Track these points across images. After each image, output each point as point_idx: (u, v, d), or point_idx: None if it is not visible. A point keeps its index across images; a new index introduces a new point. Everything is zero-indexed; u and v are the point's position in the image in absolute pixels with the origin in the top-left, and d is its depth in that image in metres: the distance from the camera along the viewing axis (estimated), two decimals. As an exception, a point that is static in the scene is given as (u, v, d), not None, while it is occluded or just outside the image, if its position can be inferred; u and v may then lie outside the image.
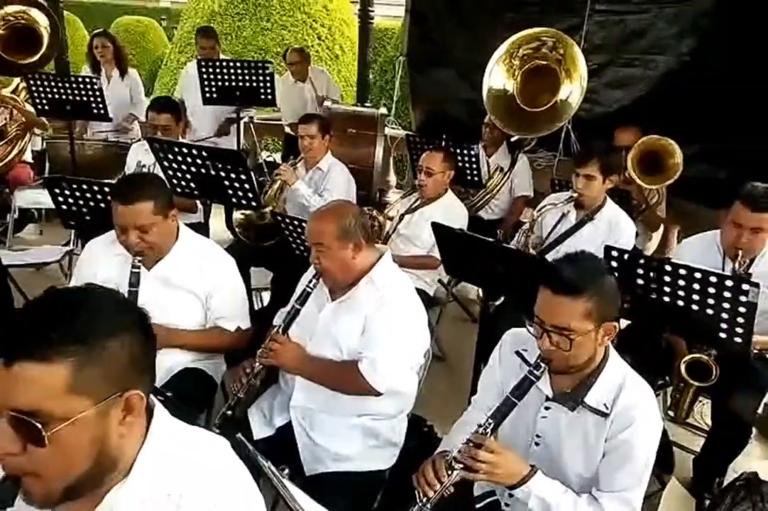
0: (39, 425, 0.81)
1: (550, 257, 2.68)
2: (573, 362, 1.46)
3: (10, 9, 4.53)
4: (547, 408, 1.54)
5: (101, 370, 0.85)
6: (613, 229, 2.84)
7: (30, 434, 0.82)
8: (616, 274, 2.20)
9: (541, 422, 1.56)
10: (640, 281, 2.19)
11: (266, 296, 3.68)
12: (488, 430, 1.43)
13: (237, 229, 3.40)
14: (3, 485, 0.85)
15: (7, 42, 4.47)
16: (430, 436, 2.18)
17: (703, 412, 2.76)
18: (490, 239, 2.33)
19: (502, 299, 2.70)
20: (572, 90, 3.70)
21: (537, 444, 1.58)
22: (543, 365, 1.46)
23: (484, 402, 1.68)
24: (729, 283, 1.98)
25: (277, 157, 5.38)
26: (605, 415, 1.46)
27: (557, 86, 3.75)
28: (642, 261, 2.19)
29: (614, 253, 2.24)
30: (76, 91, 3.95)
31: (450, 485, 1.42)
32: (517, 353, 1.61)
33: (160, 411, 0.99)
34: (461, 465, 1.41)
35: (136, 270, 1.97)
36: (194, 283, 2.06)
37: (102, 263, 2.09)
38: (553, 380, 1.53)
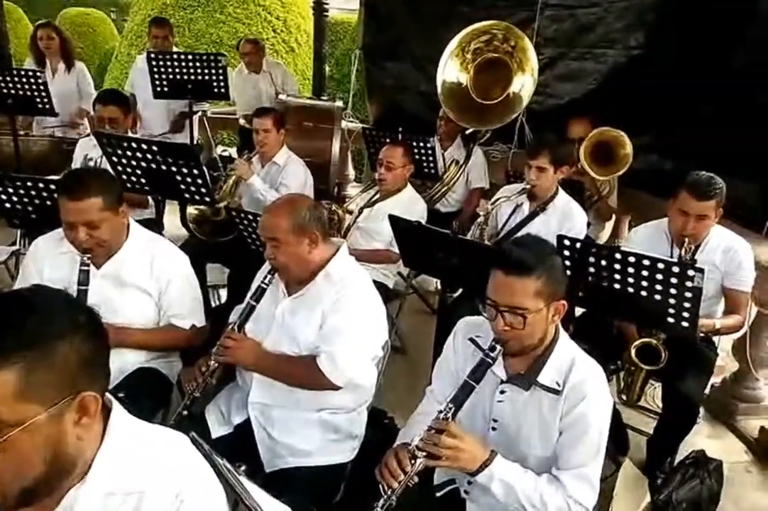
0: None
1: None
2: (527, 341, 1.50)
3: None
4: (502, 392, 1.57)
5: (51, 374, 0.84)
6: (565, 219, 2.90)
7: None
8: (569, 263, 2.27)
9: (497, 406, 1.58)
10: (591, 269, 2.24)
11: (223, 293, 3.63)
12: (449, 415, 1.45)
13: (192, 225, 3.34)
14: None
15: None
16: (391, 428, 2.19)
17: (654, 395, 2.86)
18: (446, 231, 2.35)
19: (460, 290, 2.73)
20: (524, 82, 3.75)
21: (494, 429, 1.60)
22: (498, 346, 1.49)
23: (441, 392, 1.70)
24: (675, 269, 2.05)
25: (233, 151, 5.31)
26: (558, 393, 1.50)
27: (509, 79, 3.80)
28: (593, 250, 2.25)
29: (566, 243, 2.29)
30: (18, 85, 3.79)
31: (414, 475, 1.42)
32: (471, 339, 1.63)
33: (118, 410, 0.98)
34: (424, 453, 1.42)
35: (85, 268, 1.91)
36: (145, 280, 2.01)
37: (49, 261, 2.02)
38: (507, 363, 1.56)
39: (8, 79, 3.79)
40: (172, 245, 2.15)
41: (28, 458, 0.84)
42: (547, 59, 4.21)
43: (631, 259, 2.13)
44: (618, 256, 2.15)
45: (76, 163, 3.24)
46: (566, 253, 2.27)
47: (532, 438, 1.54)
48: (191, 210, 3.31)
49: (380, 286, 2.59)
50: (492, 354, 1.49)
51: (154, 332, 2.06)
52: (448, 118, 3.89)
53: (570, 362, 1.52)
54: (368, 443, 2.02)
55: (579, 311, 2.73)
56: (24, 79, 3.80)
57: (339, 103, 4.69)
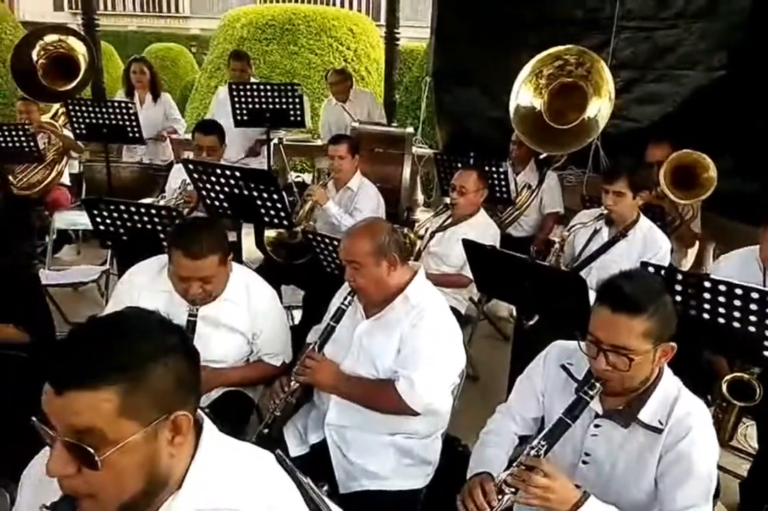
0: (91, 450, 0.83)
1: (582, 274, 2.65)
2: (628, 383, 1.42)
3: (50, 38, 4.72)
4: (597, 425, 1.50)
5: (147, 394, 0.86)
6: (648, 245, 2.80)
7: (83, 458, 0.84)
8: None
9: (590, 440, 1.51)
10: (678, 298, 2.14)
11: (296, 314, 3.70)
12: (541, 452, 1.37)
13: (268, 248, 3.44)
14: (63, 504, 0.87)
15: (47, 70, 4.66)
16: (465, 456, 2.15)
17: (748, 434, 2.68)
18: (524, 256, 2.32)
19: (537, 317, 2.67)
20: (601, 106, 3.70)
21: (585, 462, 1.53)
22: (598, 385, 1.40)
23: (518, 411, 1.66)
24: (771, 299, 1.94)
25: (306, 177, 5.46)
26: (660, 431, 1.42)
27: (585, 103, 3.75)
28: (680, 277, 2.15)
29: (650, 270, 2.21)
30: (112, 116, 4.08)
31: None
32: (563, 366, 1.56)
33: (209, 426, 1.00)
34: (513, 489, 1.35)
35: (193, 319, 1.90)
36: (242, 322, 2.05)
37: (145, 296, 2.02)
38: (603, 397, 1.49)
39: (103, 110, 4.09)
40: (265, 284, 2.16)
41: (126, 475, 0.87)
42: (623, 82, 4.14)
43: (722, 287, 2.03)
44: (707, 284, 2.06)
45: (171, 188, 3.42)
46: (650, 280, 2.19)
47: (627, 477, 1.46)
48: (268, 233, 3.42)
49: (453, 311, 2.57)
50: (591, 393, 1.40)
51: (249, 371, 2.12)
52: (521, 143, 3.87)
53: (674, 398, 1.43)
54: (441, 470, 1.99)
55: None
56: (117, 110, 4.09)
57: (410, 130, 4.76)
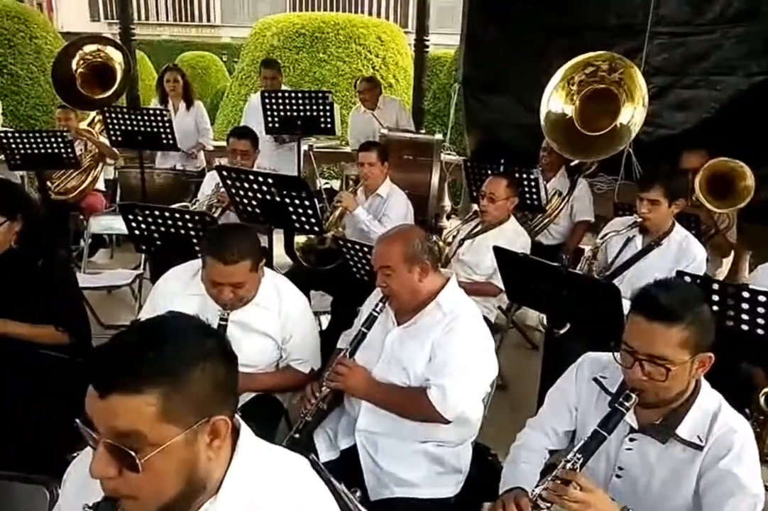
0: (132, 453, 0.84)
1: (615, 283, 2.61)
2: (664, 394, 1.38)
3: (89, 48, 4.85)
4: (632, 439, 1.47)
5: (188, 398, 0.88)
6: (682, 254, 2.75)
7: (125, 460, 0.85)
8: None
9: (624, 454, 1.48)
10: (714, 308, 2.10)
11: (324, 319, 3.72)
12: (576, 465, 1.34)
13: (298, 253, 3.47)
14: (105, 504, 0.89)
15: (86, 79, 4.78)
16: (494, 465, 2.14)
17: (787, 448, 2.59)
18: (556, 264, 2.30)
19: (568, 327, 2.64)
20: (634, 112, 3.66)
21: (618, 476, 1.50)
22: (633, 396, 1.37)
23: (550, 425, 1.63)
24: (814, 310, 1.89)
25: (334, 184, 5.50)
26: (699, 447, 1.38)
27: (618, 109, 3.71)
28: (716, 287, 2.12)
29: (686, 279, 2.17)
30: (147, 123, 4.17)
31: None
32: (596, 380, 1.54)
33: (245, 431, 1.01)
34: (548, 504, 1.33)
35: (224, 322, 1.92)
36: (272, 328, 2.07)
37: (178, 300, 2.06)
38: (638, 411, 1.45)
39: (138, 117, 4.18)
40: (296, 290, 2.18)
41: (166, 477, 0.88)
42: (657, 88, 4.09)
43: (762, 298, 1.99)
44: (746, 294, 2.02)
45: (204, 194, 3.48)
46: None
47: (663, 493, 1.43)
48: (298, 239, 3.45)
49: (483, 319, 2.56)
50: (626, 404, 1.37)
51: (278, 376, 2.13)
52: (552, 150, 3.84)
53: (713, 413, 1.39)
54: (471, 479, 1.97)
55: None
56: (152, 117, 4.17)
57: (438, 136, 4.76)
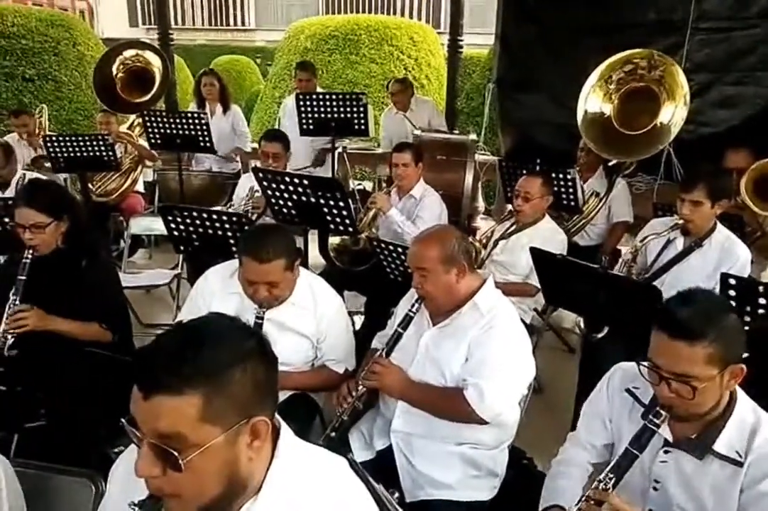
0: (175, 453, 0.86)
1: (656, 284, 2.55)
2: (695, 409, 1.34)
3: (128, 53, 4.97)
4: (666, 452, 1.42)
5: (229, 399, 0.89)
6: (724, 255, 2.66)
7: (168, 460, 0.87)
8: (733, 303, 2.08)
9: (659, 466, 1.43)
10: (760, 311, 2.04)
11: (357, 319, 3.73)
12: (609, 485, 1.32)
13: (332, 254, 3.49)
14: (150, 502, 0.91)
15: (125, 83, 4.90)
16: (530, 469, 2.11)
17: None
18: (595, 266, 2.26)
19: (606, 330, 2.59)
20: (674, 111, 3.57)
21: (655, 489, 1.45)
22: (663, 412, 1.33)
23: (587, 439, 1.59)
24: None
25: (367, 185, 5.51)
26: (740, 464, 1.33)
27: (658, 108, 3.63)
28: (762, 289, 2.05)
29: (731, 282, 2.11)
30: (185, 126, 4.24)
31: None
32: (628, 390, 1.49)
33: (286, 431, 1.02)
34: None
35: (260, 321, 1.95)
36: (307, 327, 2.09)
37: (218, 297, 2.12)
38: (673, 423, 1.40)
39: (177, 120, 4.26)
40: (331, 290, 2.20)
41: (207, 478, 0.89)
42: (698, 86, 3.98)
43: (811, 301, 1.92)
44: (794, 297, 1.95)
45: (239, 196, 3.53)
46: (731, 293, 2.09)
47: (704, 507, 1.38)
48: (332, 240, 3.47)
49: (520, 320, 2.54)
50: (656, 421, 1.33)
51: (312, 376, 2.15)
52: (589, 150, 3.78)
53: (752, 425, 1.34)
54: (507, 483, 1.95)
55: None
56: (190, 121, 4.25)
57: (472, 137, 4.73)
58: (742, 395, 1.40)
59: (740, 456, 1.32)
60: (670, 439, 1.40)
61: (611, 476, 1.32)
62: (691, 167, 2.99)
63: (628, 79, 3.75)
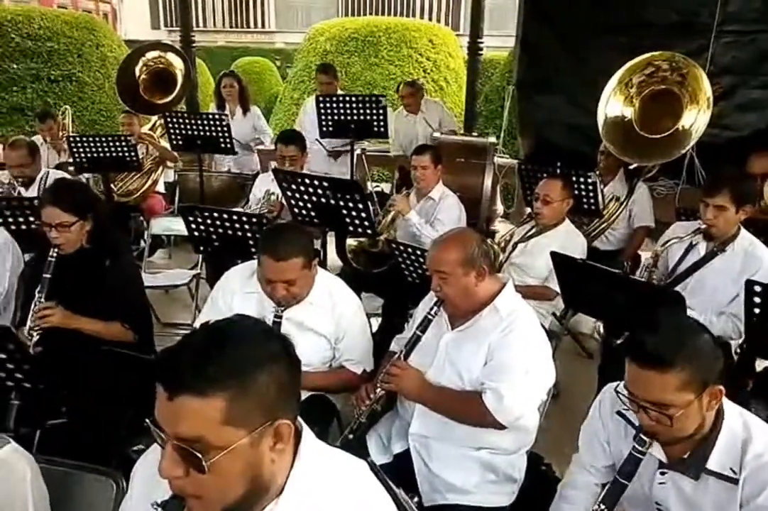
0: (199, 455, 0.86)
1: (678, 290, 2.51)
2: (679, 434, 1.32)
3: (151, 55, 5.03)
4: (663, 473, 1.40)
5: (253, 401, 0.89)
6: (748, 261, 2.61)
7: (192, 461, 0.87)
8: (758, 310, 2.05)
9: (657, 489, 1.41)
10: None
11: (374, 322, 3.72)
12: None
13: (349, 256, 3.50)
14: (172, 502, 0.92)
15: (148, 85, 4.96)
16: (548, 475, 2.09)
17: None
18: (616, 271, 2.23)
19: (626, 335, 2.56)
20: (697, 115, 3.52)
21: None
22: (647, 439, 1.32)
23: (589, 462, 1.58)
24: None
25: (384, 187, 5.51)
26: (734, 481, 1.30)
27: (680, 111, 3.58)
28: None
29: (757, 289, 2.07)
30: (206, 127, 4.28)
31: None
32: (619, 413, 1.47)
33: (308, 434, 1.02)
34: None
35: (278, 319, 1.96)
36: (326, 327, 2.09)
37: (238, 297, 2.14)
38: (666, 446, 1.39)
39: (198, 122, 4.30)
40: (350, 291, 2.21)
41: (231, 479, 0.90)
42: (723, 89, 3.92)
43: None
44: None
45: (255, 197, 3.55)
46: (756, 300, 2.06)
47: None
48: (350, 241, 3.47)
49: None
50: (641, 449, 1.32)
51: (330, 376, 2.15)
52: (609, 153, 3.74)
53: (743, 439, 1.31)
54: (525, 489, 1.94)
55: (761, 364, 2.45)
56: (211, 122, 4.28)
57: (491, 139, 4.72)
58: (728, 406, 1.37)
59: (734, 473, 1.30)
60: (665, 460, 1.38)
61: (603, 506, 1.31)
62: (714, 172, 2.94)
63: (649, 81, 3.71)
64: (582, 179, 3.55)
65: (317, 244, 3.42)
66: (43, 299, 2.10)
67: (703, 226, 2.65)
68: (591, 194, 3.58)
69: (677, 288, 2.63)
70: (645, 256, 3.38)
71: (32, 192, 3.63)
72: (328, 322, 2.10)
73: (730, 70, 3.96)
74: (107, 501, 1.41)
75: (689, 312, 2.17)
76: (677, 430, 1.29)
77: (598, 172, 3.79)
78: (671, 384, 1.25)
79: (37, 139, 4.79)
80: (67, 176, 3.79)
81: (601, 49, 4.42)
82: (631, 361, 1.30)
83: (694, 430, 1.32)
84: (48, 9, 8.71)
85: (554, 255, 2.44)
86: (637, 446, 1.32)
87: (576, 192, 3.43)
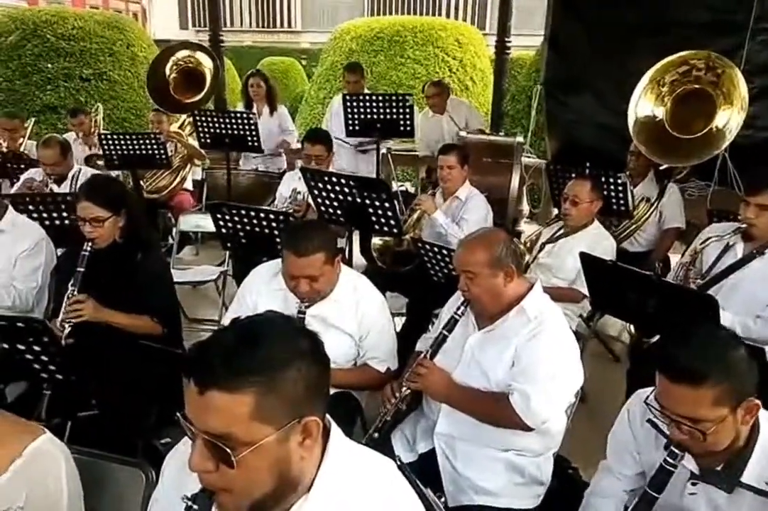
0: (228, 450, 0.86)
1: (712, 292, 2.46)
2: (712, 448, 1.28)
3: (180, 54, 5.10)
4: (694, 483, 1.37)
5: (282, 398, 0.89)
6: (787, 264, 2.55)
7: (221, 456, 0.88)
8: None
9: (688, 499, 1.38)
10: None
11: (397, 321, 3.72)
12: None
13: (374, 254, 3.50)
14: (202, 495, 0.93)
15: (177, 83, 5.03)
16: (576, 478, 2.07)
17: None
18: (648, 273, 2.20)
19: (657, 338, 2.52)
20: (731, 115, 3.45)
21: None
22: (679, 453, 1.28)
23: (618, 469, 1.55)
24: None
25: (409, 186, 5.50)
26: None
27: (713, 111, 3.51)
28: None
29: None
30: (234, 126, 4.32)
31: None
32: (650, 421, 1.42)
33: (336, 431, 1.02)
34: None
35: (302, 316, 1.96)
36: (350, 324, 2.09)
37: (264, 294, 2.16)
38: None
39: (226, 120, 4.34)
40: (374, 289, 2.20)
41: (259, 474, 0.90)
42: (758, 89, 3.83)
43: None
44: None
45: (282, 196, 3.57)
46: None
47: None
48: (375, 240, 3.47)
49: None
50: (673, 461, 1.28)
51: (354, 374, 2.15)
52: (639, 153, 3.68)
53: None
54: (551, 492, 1.92)
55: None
56: (239, 120, 4.32)
57: (519, 139, 4.68)
58: (765, 417, 1.32)
59: None
60: (696, 471, 1.35)
61: None
62: (755, 171, 2.86)
63: (683, 80, 3.65)
64: (612, 180, 3.50)
65: (342, 242, 3.43)
66: (75, 292, 2.14)
67: (743, 226, 2.58)
68: (621, 195, 3.53)
69: (710, 290, 2.57)
70: (674, 258, 3.32)
71: (64, 188, 3.70)
72: (352, 319, 2.10)
73: (766, 69, 3.86)
74: (136, 492, 1.43)
75: (722, 313, 2.12)
76: (710, 444, 1.26)
77: (628, 173, 3.74)
78: (705, 399, 1.22)
79: (70, 135, 4.88)
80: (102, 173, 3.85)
81: (632, 49, 4.35)
82: (662, 374, 1.27)
83: (727, 444, 1.29)
84: (83, 10, 8.88)
85: (583, 256, 2.41)
86: (668, 458, 1.29)
87: (606, 193, 3.39)
